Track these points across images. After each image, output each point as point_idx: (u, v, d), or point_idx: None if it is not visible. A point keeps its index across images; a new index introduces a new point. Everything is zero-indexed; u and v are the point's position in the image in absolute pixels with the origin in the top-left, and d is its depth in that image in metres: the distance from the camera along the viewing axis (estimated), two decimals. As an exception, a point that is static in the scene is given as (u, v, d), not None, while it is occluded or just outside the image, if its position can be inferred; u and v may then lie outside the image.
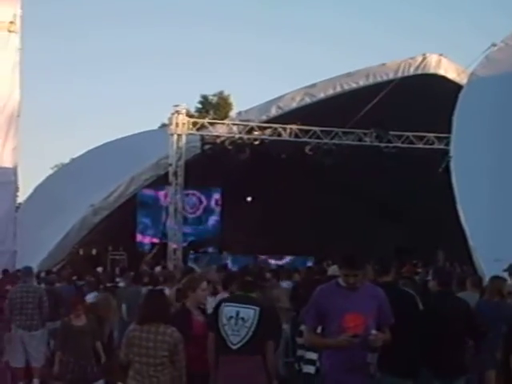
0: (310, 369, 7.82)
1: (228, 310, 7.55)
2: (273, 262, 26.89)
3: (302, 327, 7.15)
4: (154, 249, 25.90)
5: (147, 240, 29.09)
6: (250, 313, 7.46)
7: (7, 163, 21.82)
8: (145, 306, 7.38)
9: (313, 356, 7.72)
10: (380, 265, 7.79)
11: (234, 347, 7.40)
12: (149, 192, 29.06)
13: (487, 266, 14.38)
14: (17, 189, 23.93)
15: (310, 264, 23.59)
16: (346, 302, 6.44)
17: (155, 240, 28.32)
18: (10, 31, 21.81)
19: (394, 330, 6.66)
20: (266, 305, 7.81)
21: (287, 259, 27.19)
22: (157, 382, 7.08)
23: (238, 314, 7.47)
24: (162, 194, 28.48)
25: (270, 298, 10.82)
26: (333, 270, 8.34)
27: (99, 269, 21.47)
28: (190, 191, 29.13)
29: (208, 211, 31.21)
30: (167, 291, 11.61)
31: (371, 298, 6.59)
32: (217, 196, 31.19)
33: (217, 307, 7.71)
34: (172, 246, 24.57)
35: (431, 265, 20.74)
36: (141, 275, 15.57)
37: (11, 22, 21.81)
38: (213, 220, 31.08)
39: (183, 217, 26.23)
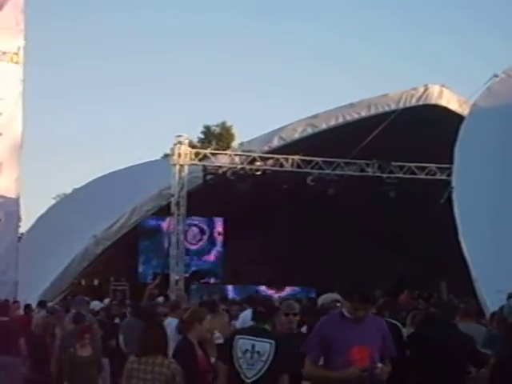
0: None
1: (243, 342, 7.36)
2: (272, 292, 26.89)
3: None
4: (156, 279, 25.86)
5: (149, 271, 29.02)
6: (265, 346, 7.28)
7: (10, 193, 21.83)
8: (143, 338, 7.36)
9: None
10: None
11: (248, 381, 7.23)
12: (151, 222, 29.08)
13: (489, 297, 14.33)
14: (19, 219, 23.95)
15: (312, 295, 23.46)
16: (352, 335, 6.37)
17: (157, 270, 28.27)
18: (13, 62, 21.93)
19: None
20: (280, 338, 7.68)
21: (289, 290, 27.11)
22: (155, 414, 7.04)
23: (253, 347, 7.30)
24: (164, 224, 28.50)
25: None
26: (323, 299, 8.23)
27: (106, 300, 21.30)
28: (193, 221, 29.12)
29: (210, 241, 31.17)
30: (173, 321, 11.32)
31: (376, 329, 6.55)
32: (219, 226, 31.17)
33: (231, 339, 7.53)
34: (174, 276, 24.52)
35: (433, 296, 20.65)
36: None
37: (15, 54, 21.94)
38: (215, 250, 31.05)
39: (185, 247, 26.20)
